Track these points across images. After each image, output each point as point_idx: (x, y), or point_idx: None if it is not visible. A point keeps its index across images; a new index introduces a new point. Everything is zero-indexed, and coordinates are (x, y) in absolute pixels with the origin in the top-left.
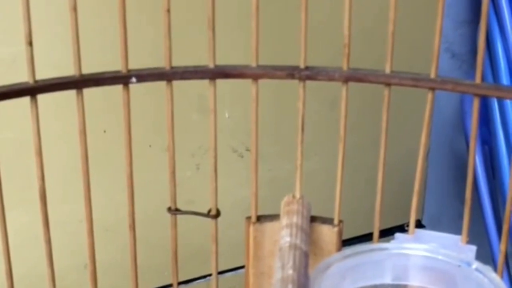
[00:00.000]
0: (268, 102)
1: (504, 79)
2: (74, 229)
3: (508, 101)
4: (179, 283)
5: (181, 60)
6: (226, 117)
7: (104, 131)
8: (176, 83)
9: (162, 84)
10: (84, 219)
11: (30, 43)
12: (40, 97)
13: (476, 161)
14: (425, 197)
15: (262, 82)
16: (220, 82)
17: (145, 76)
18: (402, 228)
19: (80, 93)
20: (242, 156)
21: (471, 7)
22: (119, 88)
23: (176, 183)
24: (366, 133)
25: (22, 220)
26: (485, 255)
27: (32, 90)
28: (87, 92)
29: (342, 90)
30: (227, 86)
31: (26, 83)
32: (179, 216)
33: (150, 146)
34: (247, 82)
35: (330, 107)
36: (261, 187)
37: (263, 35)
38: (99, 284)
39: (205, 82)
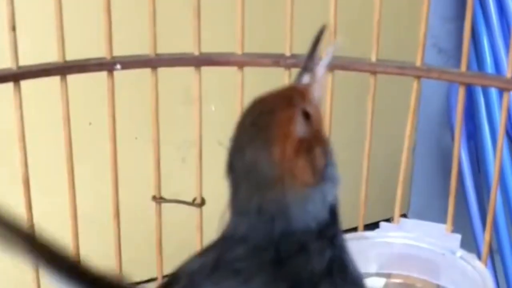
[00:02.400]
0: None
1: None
2: (58, 222)
3: (493, 97)
4: (164, 277)
5: (166, 48)
6: (212, 110)
7: (90, 124)
8: (161, 76)
9: (149, 77)
10: (68, 211)
11: (13, 28)
12: (24, 86)
13: (461, 155)
14: (410, 191)
15: (248, 73)
16: (206, 75)
17: (129, 63)
18: (389, 222)
19: (64, 80)
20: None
21: (457, 3)
22: (104, 80)
23: (162, 176)
24: (353, 126)
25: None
26: (470, 250)
27: (15, 76)
28: (72, 84)
29: (328, 78)
30: (213, 79)
31: (9, 69)
32: (164, 211)
33: (136, 138)
34: (234, 75)
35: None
36: None
37: (249, 23)
38: None
39: (191, 75)
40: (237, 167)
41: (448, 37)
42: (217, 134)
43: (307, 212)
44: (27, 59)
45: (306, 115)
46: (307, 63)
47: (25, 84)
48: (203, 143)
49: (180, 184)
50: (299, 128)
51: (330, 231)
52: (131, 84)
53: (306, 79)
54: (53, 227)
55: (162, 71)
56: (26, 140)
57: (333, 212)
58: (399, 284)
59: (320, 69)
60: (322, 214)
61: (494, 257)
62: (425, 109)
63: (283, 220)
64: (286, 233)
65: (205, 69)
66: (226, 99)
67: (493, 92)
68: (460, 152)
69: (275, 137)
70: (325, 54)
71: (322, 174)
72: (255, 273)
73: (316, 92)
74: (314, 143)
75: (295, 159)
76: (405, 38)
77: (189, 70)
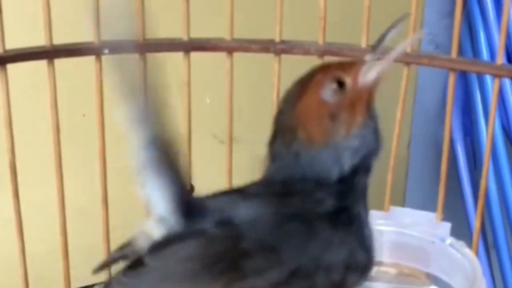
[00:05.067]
0: (251, 90)
1: None
2: (51, 214)
3: (490, 92)
4: None
5: (155, 34)
6: (207, 102)
7: (84, 115)
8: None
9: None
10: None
11: None
12: (15, 77)
13: (458, 152)
14: (406, 186)
15: (244, 67)
16: (201, 67)
17: (118, 47)
18: None
19: (51, 64)
20: (222, 142)
21: None
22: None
23: None
24: None
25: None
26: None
27: (2, 59)
28: (67, 76)
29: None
30: (208, 71)
31: None
32: None
33: None
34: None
35: None
36: (243, 172)
37: (239, 9)
38: (78, 269)
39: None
40: (276, 119)
41: (445, 33)
42: (211, 127)
43: (313, 165)
44: (14, 43)
45: (340, 84)
46: (377, 44)
47: (16, 71)
48: (198, 136)
49: None
50: (326, 92)
51: (339, 189)
52: None
53: (369, 58)
54: (41, 216)
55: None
56: (17, 129)
57: (347, 178)
58: (389, 272)
59: (387, 57)
60: (331, 173)
61: (490, 252)
62: (421, 104)
63: (295, 165)
64: (294, 177)
65: (199, 62)
66: (221, 91)
67: (489, 87)
68: (457, 148)
69: (301, 94)
70: (400, 45)
71: (339, 141)
72: (258, 196)
73: (370, 73)
74: (341, 112)
75: (311, 118)
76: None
77: (184, 62)
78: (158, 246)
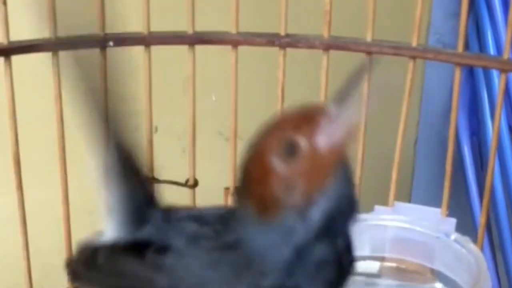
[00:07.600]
0: (256, 88)
1: None
2: (55, 209)
3: (497, 90)
4: None
5: (160, 27)
6: (213, 100)
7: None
8: (162, 67)
9: (153, 66)
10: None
11: (4, 2)
12: (20, 71)
13: (465, 152)
14: (412, 186)
15: (247, 56)
16: (207, 65)
17: (122, 40)
18: None
19: (55, 56)
20: (228, 140)
21: None
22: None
23: (162, 166)
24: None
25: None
26: None
27: (6, 51)
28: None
29: (322, 59)
30: (214, 68)
31: (0, 43)
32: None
33: (135, 129)
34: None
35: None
36: None
37: (244, 3)
38: None
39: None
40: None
41: (452, 33)
42: (217, 124)
43: (261, 243)
44: (19, 35)
45: (294, 148)
46: (342, 94)
47: (22, 64)
48: (204, 133)
49: (181, 174)
50: (275, 160)
51: (289, 262)
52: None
53: (337, 110)
54: (45, 211)
55: (162, 61)
56: (22, 125)
57: (299, 253)
58: (393, 267)
59: (348, 109)
60: (280, 254)
61: (496, 254)
62: (428, 104)
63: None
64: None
65: (205, 60)
66: (227, 90)
67: (496, 84)
68: (463, 148)
69: (252, 160)
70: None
71: (291, 217)
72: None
73: (333, 133)
74: (294, 181)
75: (259, 190)
76: (406, 23)
77: (189, 55)
78: (103, 250)
